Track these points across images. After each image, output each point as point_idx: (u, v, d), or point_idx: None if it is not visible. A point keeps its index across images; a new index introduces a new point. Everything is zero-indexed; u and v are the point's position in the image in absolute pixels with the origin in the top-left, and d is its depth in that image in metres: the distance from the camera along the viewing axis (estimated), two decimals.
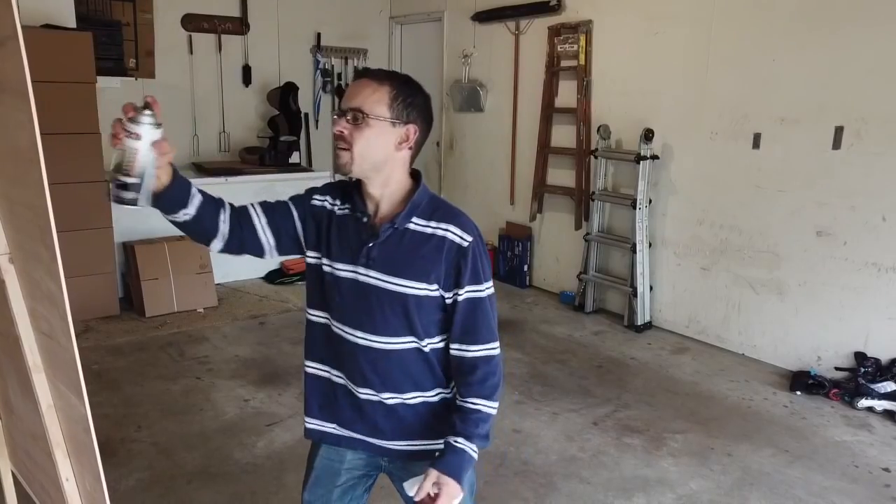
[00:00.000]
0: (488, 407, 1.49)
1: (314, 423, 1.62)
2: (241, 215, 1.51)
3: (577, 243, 5.22)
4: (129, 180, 1.25)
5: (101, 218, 4.67)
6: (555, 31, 5.25)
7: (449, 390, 1.57)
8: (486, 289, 1.49)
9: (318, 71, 6.53)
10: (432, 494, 1.43)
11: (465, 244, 1.45)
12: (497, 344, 1.51)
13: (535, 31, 5.46)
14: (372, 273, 1.46)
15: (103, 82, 4.88)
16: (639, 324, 4.74)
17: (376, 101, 1.40)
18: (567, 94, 5.28)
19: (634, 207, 4.67)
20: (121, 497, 2.72)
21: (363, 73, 1.45)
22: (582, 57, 5.05)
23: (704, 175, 4.48)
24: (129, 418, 3.37)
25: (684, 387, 3.91)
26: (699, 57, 4.41)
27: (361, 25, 6.75)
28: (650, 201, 4.71)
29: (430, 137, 1.59)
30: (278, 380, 3.85)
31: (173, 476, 2.88)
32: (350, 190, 1.53)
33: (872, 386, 3.61)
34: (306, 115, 6.40)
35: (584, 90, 5.08)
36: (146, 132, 1.24)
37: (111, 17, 5.40)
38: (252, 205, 1.54)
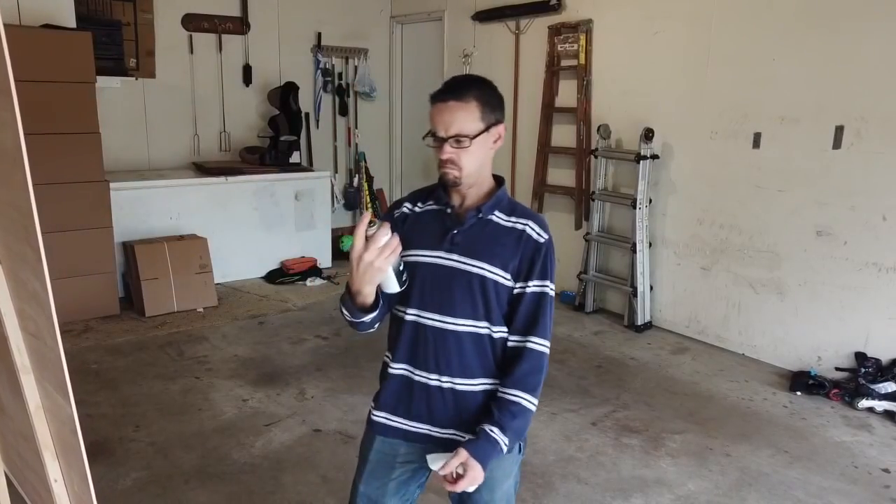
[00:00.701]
0: (527, 401, 1.54)
1: (381, 417, 1.66)
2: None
3: (578, 243, 5.21)
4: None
5: (101, 218, 4.67)
6: (555, 31, 5.24)
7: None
8: (551, 288, 1.58)
9: (319, 70, 6.52)
10: (455, 475, 1.47)
11: (542, 240, 1.57)
12: (549, 344, 1.58)
13: (536, 30, 5.45)
14: (453, 256, 1.56)
15: (103, 82, 4.87)
16: (639, 324, 4.73)
17: (470, 119, 1.50)
18: (567, 93, 5.27)
19: (634, 207, 4.66)
20: (118, 497, 2.71)
21: (445, 97, 1.50)
22: (582, 56, 5.04)
23: (704, 174, 4.47)
24: (127, 418, 3.37)
25: (684, 387, 3.90)
26: (699, 56, 4.39)
27: (362, 25, 6.74)
28: (650, 201, 4.70)
29: None
30: (277, 380, 3.85)
31: (171, 476, 2.88)
32: (433, 187, 1.64)
33: (873, 386, 3.60)
34: (307, 114, 6.39)
35: (584, 89, 5.07)
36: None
37: (111, 17, 5.39)
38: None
